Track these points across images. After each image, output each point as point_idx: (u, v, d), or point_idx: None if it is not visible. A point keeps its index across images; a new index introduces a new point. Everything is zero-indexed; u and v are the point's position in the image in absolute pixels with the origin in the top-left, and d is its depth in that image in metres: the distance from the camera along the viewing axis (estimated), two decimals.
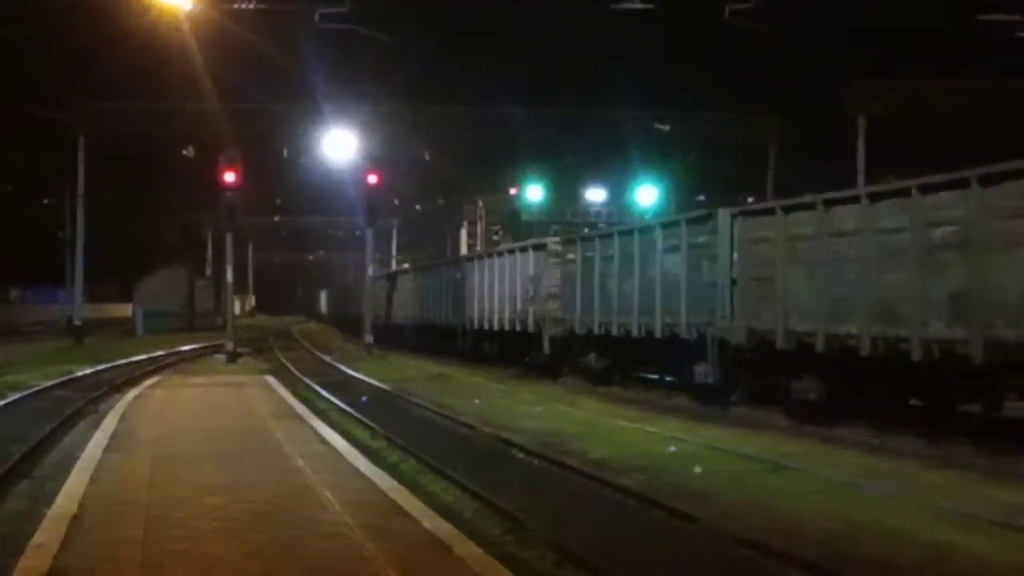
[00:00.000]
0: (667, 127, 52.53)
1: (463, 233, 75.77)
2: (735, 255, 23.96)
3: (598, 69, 45.44)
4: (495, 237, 68.84)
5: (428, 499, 13.59)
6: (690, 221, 26.08)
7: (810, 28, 37.24)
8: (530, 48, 47.82)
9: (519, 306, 37.15)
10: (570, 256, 32.99)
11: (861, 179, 39.09)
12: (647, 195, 56.33)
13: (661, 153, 55.16)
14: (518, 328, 37.01)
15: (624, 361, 30.34)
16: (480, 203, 74.12)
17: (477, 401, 27.79)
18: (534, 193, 63.56)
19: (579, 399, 27.99)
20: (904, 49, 39.84)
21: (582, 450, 18.81)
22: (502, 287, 39.03)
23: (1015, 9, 32.78)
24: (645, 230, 28.93)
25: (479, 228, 74.03)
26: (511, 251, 39.59)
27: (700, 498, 14.23)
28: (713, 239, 24.56)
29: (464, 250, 69.04)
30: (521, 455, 18.84)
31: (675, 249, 26.22)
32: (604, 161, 60.62)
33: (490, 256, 42.45)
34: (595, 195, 64.37)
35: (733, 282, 23.85)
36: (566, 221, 59.41)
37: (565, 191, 64.68)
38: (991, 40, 33.65)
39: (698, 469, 16.57)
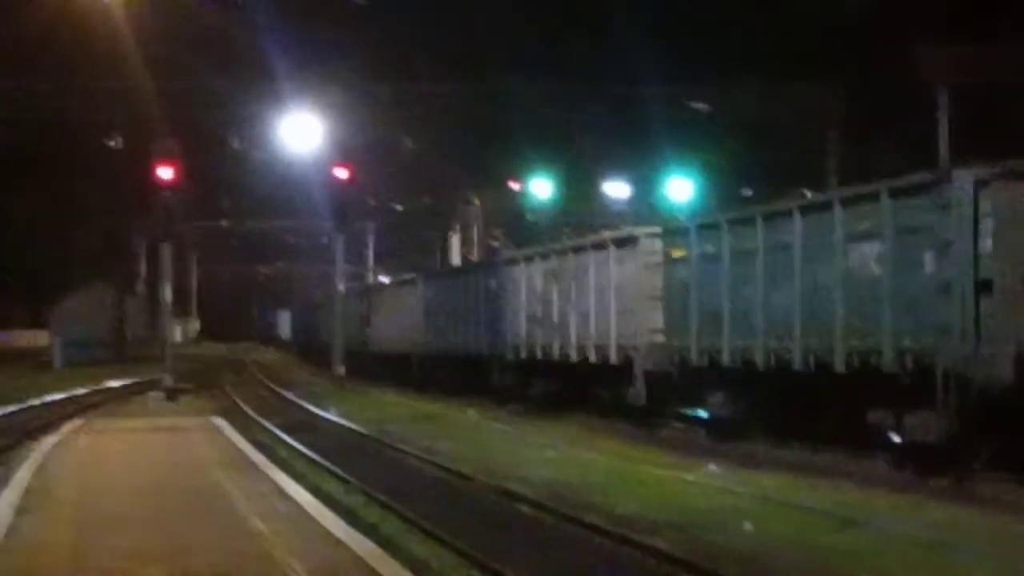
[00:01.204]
0: (705, 107, 52.24)
1: (454, 239, 75.54)
2: (987, 242, 19.43)
3: (620, 36, 45.29)
4: (495, 243, 68.72)
5: (417, 568, 13.51)
6: (898, 192, 21.42)
7: None
8: (534, 9, 47.58)
9: (593, 328, 32.37)
10: (677, 253, 28.55)
11: (943, 162, 39.02)
12: (681, 189, 55.99)
13: (697, 139, 54.98)
14: (592, 358, 32.29)
15: (772, 406, 25.28)
16: (476, 202, 73.73)
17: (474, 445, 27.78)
18: (541, 188, 63.10)
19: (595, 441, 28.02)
20: (996, 7, 39.79)
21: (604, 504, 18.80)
22: (563, 301, 34.59)
23: None
24: (813, 208, 24.35)
25: (475, 232, 73.75)
26: (578, 249, 34.84)
27: None
28: (943, 219, 20.08)
29: (457, 259, 68.92)
30: (530, 511, 18.80)
31: (869, 236, 22.02)
32: (627, 149, 60.45)
33: (543, 257, 37.49)
34: (616, 190, 64.07)
35: (984, 284, 19.39)
36: (581, 221, 59.22)
37: (579, 186, 64.50)
38: None
39: None
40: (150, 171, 41.40)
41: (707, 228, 27.73)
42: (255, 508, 16.89)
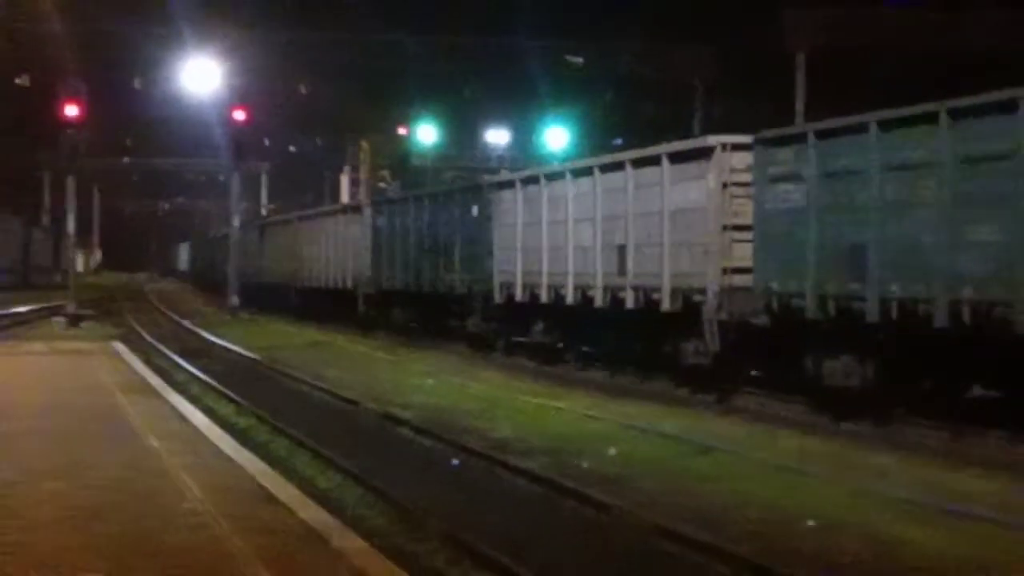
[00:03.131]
0: (580, 60, 52.38)
1: (344, 179, 75.19)
2: None
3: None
4: (381, 184, 68.44)
5: (303, 485, 13.48)
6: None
7: None
8: None
9: (632, 265, 23.83)
10: (783, 169, 19.74)
11: (799, 119, 39.38)
12: (557, 137, 56.36)
13: (573, 90, 55.16)
14: (630, 304, 23.77)
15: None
16: (364, 144, 73.45)
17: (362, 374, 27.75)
18: (427, 133, 63.23)
19: (477, 371, 28.09)
20: None
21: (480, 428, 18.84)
22: (592, 230, 25.53)
23: None
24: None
25: (363, 173, 73.48)
26: (608, 167, 25.48)
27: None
28: None
29: (346, 198, 68.48)
30: (411, 434, 18.81)
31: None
32: (507, 99, 60.48)
33: (551, 178, 28.28)
34: (497, 137, 64.23)
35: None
36: (463, 166, 59.19)
37: (462, 132, 64.55)
38: None
39: None
40: (57, 109, 40.77)
41: (840, 134, 18.52)
42: (152, 428, 16.74)
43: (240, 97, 50.98)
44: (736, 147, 20.89)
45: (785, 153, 19.46)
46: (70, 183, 45.70)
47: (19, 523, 10.86)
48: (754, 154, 20.43)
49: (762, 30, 44.94)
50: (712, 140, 21.65)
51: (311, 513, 11.31)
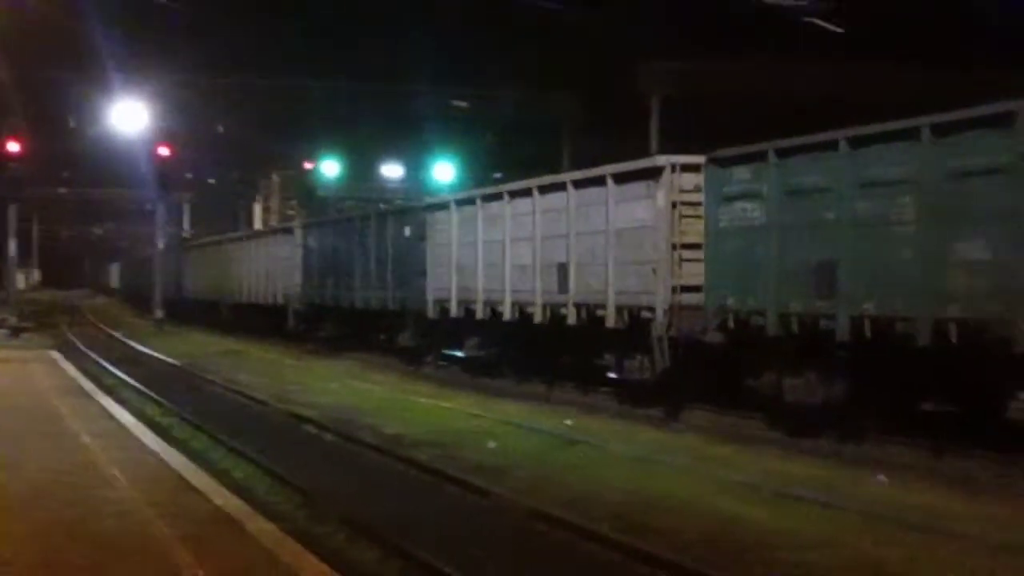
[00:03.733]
0: (465, 104, 52.66)
1: (257, 208, 74.94)
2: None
3: (395, 43, 45.18)
4: (290, 211, 68.06)
5: (219, 476, 13.41)
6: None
7: (608, 9, 37.66)
8: (325, 20, 47.27)
9: (574, 283, 21.23)
10: (738, 189, 17.31)
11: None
12: (444, 172, 56.51)
13: (459, 131, 55.34)
14: (575, 319, 21.17)
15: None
16: (275, 177, 73.40)
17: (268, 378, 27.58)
18: (330, 168, 63.13)
19: (371, 375, 28.05)
20: (698, 31, 40.67)
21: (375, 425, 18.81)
22: (531, 249, 22.71)
23: None
24: None
25: (274, 203, 73.29)
26: (548, 187, 22.54)
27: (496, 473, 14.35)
28: None
29: (259, 225, 68.02)
30: (314, 431, 18.76)
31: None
32: (401, 137, 60.46)
33: (488, 199, 25.17)
34: (392, 171, 64.09)
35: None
36: (362, 196, 59.01)
37: (361, 167, 64.44)
38: (778, 23, 34.91)
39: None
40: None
41: (805, 151, 16.18)
42: (85, 427, 16.53)
43: (165, 135, 50.59)
44: (685, 167, 18.48)
45: (741, 171, 17.03)
46: (11, 210, 45.19)
47: None
48: (705, 173, 17.97)
49: (622, 79, 45.54)
50: (662, 160, 18.91)
51: (226, 500, 11.24)
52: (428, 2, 35.68)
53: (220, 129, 62.85)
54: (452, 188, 50.95)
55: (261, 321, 43.25)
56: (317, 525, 11.54)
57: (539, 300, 22.13)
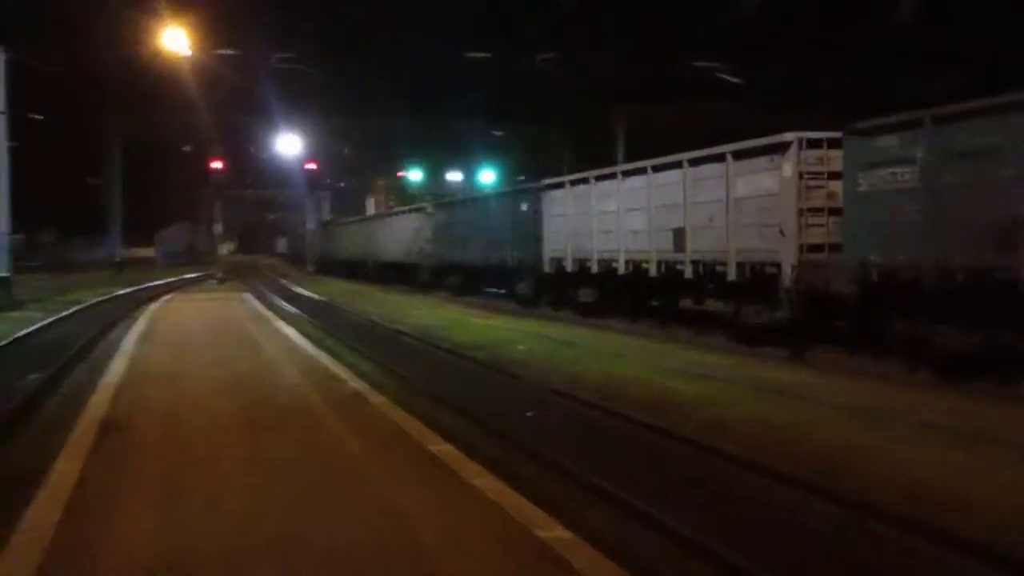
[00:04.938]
0: (500, 133, 52.91)
1: (370, 202, 75.13)
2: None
3: (456, 95, 44.98)
4: (391, 203, 68.01)
5: (350, 367, 13.50)
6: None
7: (592, 68, 37.38)
8: (413, 84, 47.21)
9: (689, 241, 17.25)
10: (880, 155, 12.75)
11: (620, 163, 39.61)
12: (487, 176, 56.89)
13: (496, 149, 55.57)
14: (691, 274, 17.19)
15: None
16: (380, 182, 73.85)
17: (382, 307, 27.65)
18: (414, 175, 64.12)
19: (448, 305, 28.05)
20: (649, 84, 40.38)
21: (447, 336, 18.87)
22: (646, 217, 18.65)
23: (716, 59, 34.23)
24: None
25: (380, 198, 73.60)
26: (660, 167, 18.35)
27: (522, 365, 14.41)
28: None
29: (371, 211, 67.94)
30: (409, 340, 18.84)
31: None
32: (459, 154, 60.52)
33: (605, 177, 20.64)
34: (453, 176, 64.28)
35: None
36: (435, 193, 58.93)
37: (434, 174, 64.69)
38: (701, 78, 34.74)
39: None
40: (208, 163, 40.49)
41: (969, 116, 11.53)
42: (267, 339, 16.71)
43: (312, 155, 50.95)
44: (810, 143, 14.63)
45: (888, 140, 12.51)
46: (217, 205, 45.42)
47: (193, 392, 10.87)
48: (845, 144, 13.41)
49: (598, 116, 45.55)
50: (790, 136, 14.74)
51: (357, 384, 11.37)
52: (474, 69, 35.36)
53: (346, 151, 63.19)
54: (493, 186, 50.90)
55: (397, 275, 39.09)
56: (413, 397, 11.64)
57: (654, 257, 18.26)
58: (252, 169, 72.85)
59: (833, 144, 14.20)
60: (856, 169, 13.12)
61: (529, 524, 5.72)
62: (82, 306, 27.11)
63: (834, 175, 14.14)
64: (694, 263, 17.07)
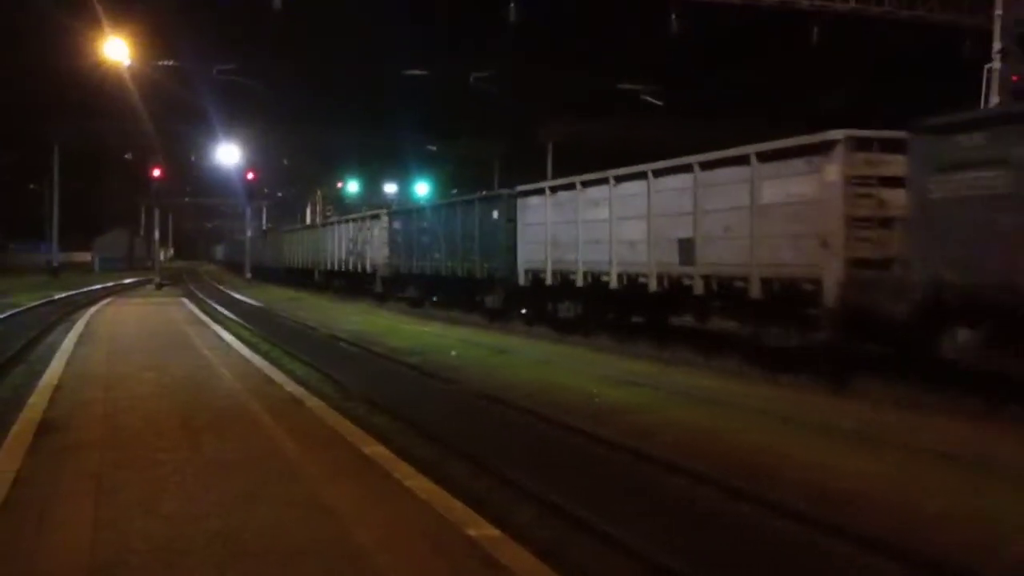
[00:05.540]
0: (434, 148, 53.05)
1: (308, 211, 74.63)
2: None
3: (393, 112, 44.93)
4: (328, 214, 67.51)
5: (287, 373, 13.35)
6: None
7: (523, 88, 37.63)
8: (351, 99, 47.08)
9: (698, 252, 14.33)
10: (959, 157, 9.93)
11: (549, 178, 39.96)
12: (422, 188, 56.93)
13: (430, 163, 55.73)
14: (702, 290, 14.25)
15: None
16: (319, 192, 73.28)
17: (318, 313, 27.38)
18: (352, 186, 64.19)
19: (381, 311, 27.88)
20: (577, 103, 40.86)
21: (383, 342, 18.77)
22: (644, 225, 15.75)
23: (642, 81, 34.96)
24: None
25: (319, 208, 73.07)
26: (662, 171, 15.41)
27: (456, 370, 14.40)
28: None
29: (308, 221, 67.29)
30: (345, 345, 18.70)
31: None
32: (395, 167, 60.52)
33: (593, 183, 17.58)
34: (390, 188, 64.23)
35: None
36: (372, 203, 58.73)
37: (371, 185, 64.60)
38: (627, 98, 35.39)
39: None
40: (147, 171, 39.86)
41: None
42: (203, 343, 16.43)
43: (251, 165, 50.37)
44: (859, 143, 11.65)
45: (971, 138, 9.79)
46: (156, 213, 44.62)
47: (131, 395, 10.65)
48: (912, 144, 10.68)
49: (529, 132, 45.89)
50: (836, 134, 11.67)
51: (293, 388, 11.26)
52: (411, 85, 35.42)
53: (285, 162, 62.77)
54: (427, 198, 50.86)
55: (348, 284, 35.53)
56: (349, 402, 11.56)
57: (654, 271, 15.32)
58: (192, 177, 71.82)
59: (886, 146, 11.53)
60: (926, 173, 10.37)
61: (459, 523, 5.74)
62: (17, 310, 26.34)
63: (886, 180, 11.52)
64: (705, 278, 14.11)
